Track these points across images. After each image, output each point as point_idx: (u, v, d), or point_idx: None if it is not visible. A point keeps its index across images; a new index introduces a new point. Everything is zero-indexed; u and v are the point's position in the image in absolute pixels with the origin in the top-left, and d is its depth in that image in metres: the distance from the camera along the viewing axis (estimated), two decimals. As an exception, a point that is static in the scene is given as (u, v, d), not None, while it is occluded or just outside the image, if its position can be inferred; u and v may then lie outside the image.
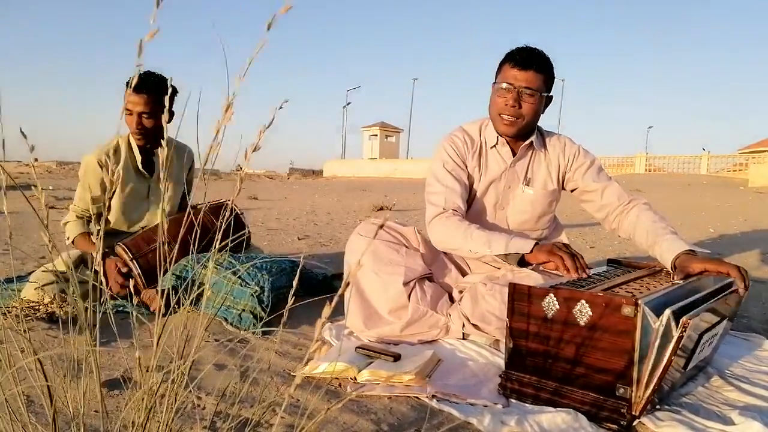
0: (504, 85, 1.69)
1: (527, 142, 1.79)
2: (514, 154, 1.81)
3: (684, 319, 1.06)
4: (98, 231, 0.69)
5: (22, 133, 0.64)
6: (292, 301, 0.65)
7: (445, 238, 1.73)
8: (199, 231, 0.76)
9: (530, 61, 1.66)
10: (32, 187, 0.68)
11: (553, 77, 1.74)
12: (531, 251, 1.55)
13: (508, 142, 1.81)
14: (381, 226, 0.82)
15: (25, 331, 0.73)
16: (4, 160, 0.65)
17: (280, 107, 0.67)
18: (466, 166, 1.82)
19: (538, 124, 1.85)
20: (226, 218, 0.74)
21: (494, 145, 1.81)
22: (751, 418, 1.12)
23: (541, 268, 1.63)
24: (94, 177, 2.09)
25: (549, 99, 1.78)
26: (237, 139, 0.71)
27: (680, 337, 1.05)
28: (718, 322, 1.31)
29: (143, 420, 0.70)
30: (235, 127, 0.72)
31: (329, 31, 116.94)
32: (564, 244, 1.56)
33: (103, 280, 0.75)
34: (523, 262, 1.59)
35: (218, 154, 0.72)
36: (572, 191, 1.87)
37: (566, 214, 6.31)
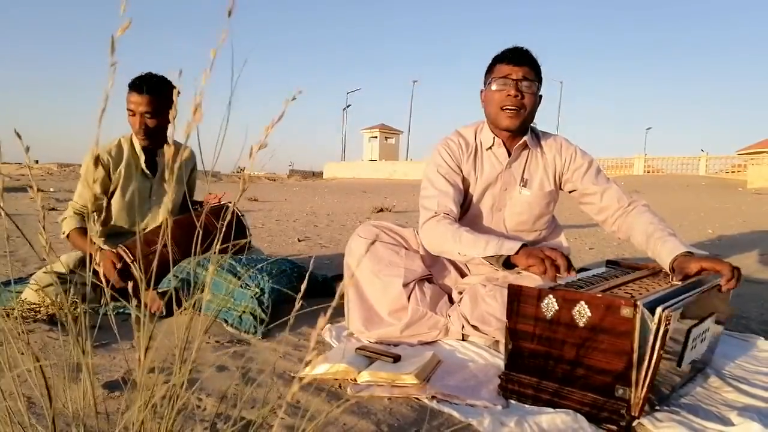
0: (501, 80, 1.70)
1: (521, 141, 1.78)
2: (510, 156, 1.81)
3: (666, 312, 1.07)
4: (96, 230, 0.69)
5: (17, 134, 0.63)
6: (299, 306, 0.64)
7: (436, 241, 1.69)
8: (201, 232, 0.75)
9: (523, 57, 1.70)
10: (28, 189, 0.68)
11: (542, 77, 1.76)
12: (517, 253, 1.48)
13: (504, 143, 1.80)
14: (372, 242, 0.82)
15: (25, 333, 0.73)
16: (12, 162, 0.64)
17: (293, 98, 0.63)
18: (461, 170, 1.81)
19: (532, 125, 1.85)
20: (227, 220, 0.74)
21: (490, 147, 1.80)
22: (749, 418, 1.12)
23: (525, 272, 1.55)
24: (94, 175, 2.09)
25: (539, 98, 1.78)
26: (236, 140, 0.71)
27: (665, 331, 1.06)
28: (705, 318, 1.32)
29: (141, 423, 0.70)
30: (236, 129, 0.72)
31: (329, 32, 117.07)
32: (552, 248, 1.46)
33: (103, 279, 0.75)
34: (510, 265, 1.52)
35: (219, 156, 0.71)
36: (570, 192, 1.86)
37: (565, 215, 6.32)
